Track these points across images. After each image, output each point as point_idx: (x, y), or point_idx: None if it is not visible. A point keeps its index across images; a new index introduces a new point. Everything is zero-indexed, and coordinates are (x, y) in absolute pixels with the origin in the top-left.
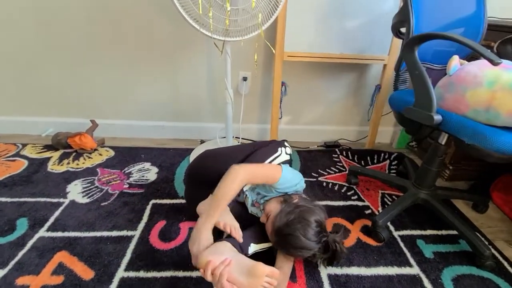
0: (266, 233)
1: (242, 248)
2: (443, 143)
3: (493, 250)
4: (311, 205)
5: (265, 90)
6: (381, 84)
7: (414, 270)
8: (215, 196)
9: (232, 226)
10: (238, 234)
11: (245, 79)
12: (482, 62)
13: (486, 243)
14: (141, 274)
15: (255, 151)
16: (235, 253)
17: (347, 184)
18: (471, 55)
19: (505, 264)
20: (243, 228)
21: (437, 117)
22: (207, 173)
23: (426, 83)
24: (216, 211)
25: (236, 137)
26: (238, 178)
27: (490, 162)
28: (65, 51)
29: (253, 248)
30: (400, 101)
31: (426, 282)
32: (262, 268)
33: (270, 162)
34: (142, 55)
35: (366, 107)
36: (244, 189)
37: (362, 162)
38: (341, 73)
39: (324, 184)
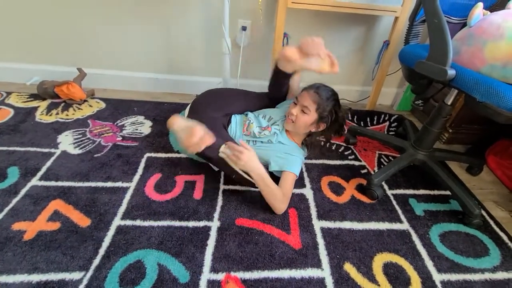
0: None
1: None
2: (449, 103)
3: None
4: None
5: (266, 42)
6: (390, 39)
7: (404, 226)
8: None
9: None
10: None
11: (244, 28)
12: (508, 12)
13: (476, 203)
14: (138, 222)
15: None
16: (191, 123)
17: (344, 144)
18: (493, 7)
19: (491, 222)
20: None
21: (451, 72)
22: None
23: (444, 32)
24: None
25: None
26: None
27: (499, 122)
28: None
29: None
30: (411, 54)
31: (414, 236)
32: (197, 129)
33: None
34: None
35: (371, 65)
36: (249, 116)
37: (362, 123)
38: (348, 26)
39: (322, 143)
